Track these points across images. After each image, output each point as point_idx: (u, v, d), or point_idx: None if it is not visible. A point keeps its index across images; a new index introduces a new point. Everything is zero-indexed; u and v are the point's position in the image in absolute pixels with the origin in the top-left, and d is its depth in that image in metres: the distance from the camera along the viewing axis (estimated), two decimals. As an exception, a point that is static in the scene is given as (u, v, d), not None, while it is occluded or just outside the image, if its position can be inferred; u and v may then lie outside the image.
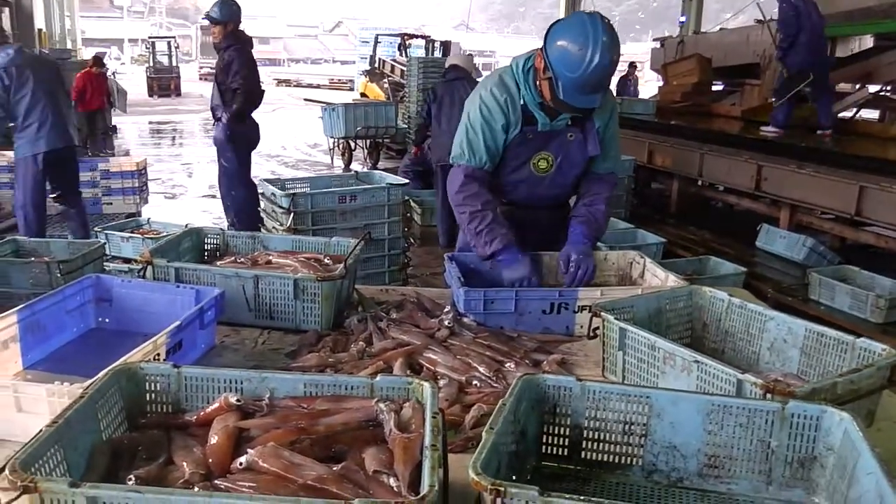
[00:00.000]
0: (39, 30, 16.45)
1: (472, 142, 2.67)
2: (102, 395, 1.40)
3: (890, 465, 1.26)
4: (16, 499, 1.08)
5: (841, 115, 9.23)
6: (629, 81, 17.84)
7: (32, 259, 3.98)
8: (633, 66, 18.06)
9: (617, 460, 1.56)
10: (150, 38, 31.71)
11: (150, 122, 19.44)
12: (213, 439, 1.35)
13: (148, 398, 1.52)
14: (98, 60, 13.85)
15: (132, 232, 5.49)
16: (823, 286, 5.45)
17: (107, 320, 2.29)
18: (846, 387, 1.66)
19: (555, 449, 1.58)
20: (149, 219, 6.01)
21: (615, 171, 2.88)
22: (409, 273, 6.36)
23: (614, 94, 2.94)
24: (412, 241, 7.46)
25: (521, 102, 2.62)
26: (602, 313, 1.97)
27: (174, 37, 32.31)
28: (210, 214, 9.10)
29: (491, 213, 2.64)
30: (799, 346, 2.01)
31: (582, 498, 1.10)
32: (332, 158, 12.89)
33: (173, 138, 17.83)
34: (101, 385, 1.41)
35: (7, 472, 1.10)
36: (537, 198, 2.81)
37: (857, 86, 9.38)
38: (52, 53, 15.05)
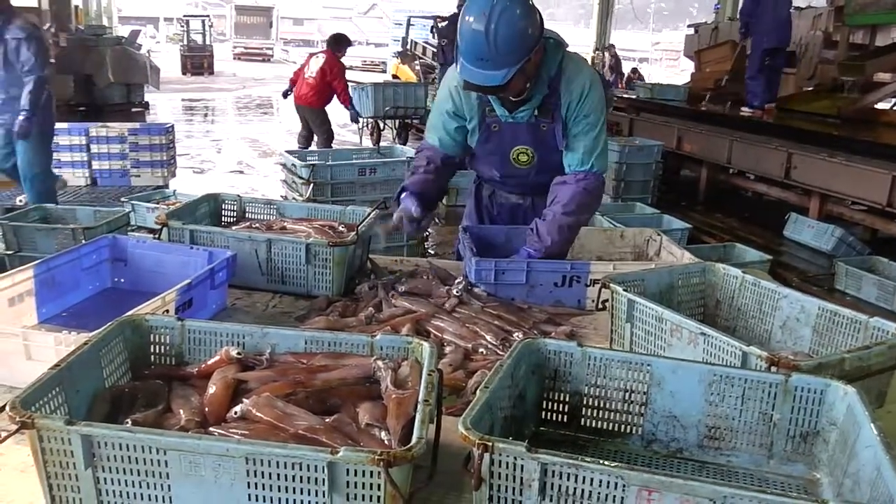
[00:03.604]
0: (76, 6, 16.57)
1: (433, 121, 2.67)
2: (106, 344, 1.43)
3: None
4: (13, 434, 1.11)
5: (878, 105, 9.06)
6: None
7: (59, 225, 4.10)
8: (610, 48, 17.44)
9: (616, 428, 1.55)
10: (184, 16, 31.87)
11: (183, 100, 19.58)
12: (212, 389, 1.36)
13: (152, 350, 1.54)
14: (345, 41, 9.68)
15: (158, 203, 5.55)
16: (850, 276, 5.36)
17: (122, 280, 2.33)
18: (854, 363, 1.62)
19: (554, 415, 1.58)
20: (175, 191, 6.08)
21: (590, 169, 2.50)
22: (432, 251, 6.39)
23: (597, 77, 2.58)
24: (437, 220, 7.48)
25: None
26: (611, 285, 1.95)
27: (208, 16, 32.48)
28: (236, 189, 9.17)
29: (416, 182, 2.62)
30: (811, 324, 1.97)
31: (568, 454, 1.10)
32: (360, 138, 12.92)
33: (205, 115, 17.97)
34: (106, 334, 1.43)
35: (7, 409, 1.13)
36: (530, 186, 2.72)
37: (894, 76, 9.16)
38: (87, 30, 15.11)
